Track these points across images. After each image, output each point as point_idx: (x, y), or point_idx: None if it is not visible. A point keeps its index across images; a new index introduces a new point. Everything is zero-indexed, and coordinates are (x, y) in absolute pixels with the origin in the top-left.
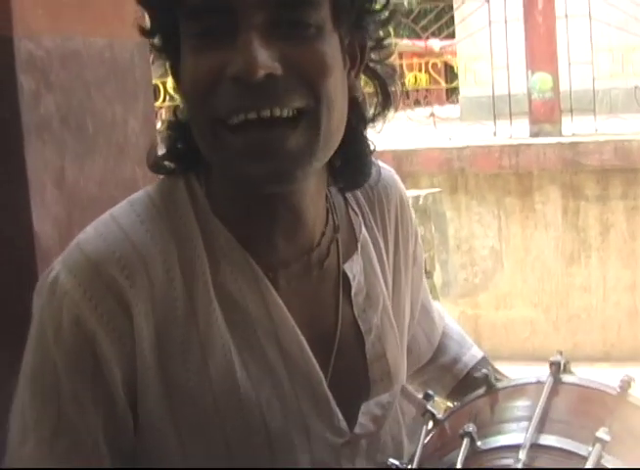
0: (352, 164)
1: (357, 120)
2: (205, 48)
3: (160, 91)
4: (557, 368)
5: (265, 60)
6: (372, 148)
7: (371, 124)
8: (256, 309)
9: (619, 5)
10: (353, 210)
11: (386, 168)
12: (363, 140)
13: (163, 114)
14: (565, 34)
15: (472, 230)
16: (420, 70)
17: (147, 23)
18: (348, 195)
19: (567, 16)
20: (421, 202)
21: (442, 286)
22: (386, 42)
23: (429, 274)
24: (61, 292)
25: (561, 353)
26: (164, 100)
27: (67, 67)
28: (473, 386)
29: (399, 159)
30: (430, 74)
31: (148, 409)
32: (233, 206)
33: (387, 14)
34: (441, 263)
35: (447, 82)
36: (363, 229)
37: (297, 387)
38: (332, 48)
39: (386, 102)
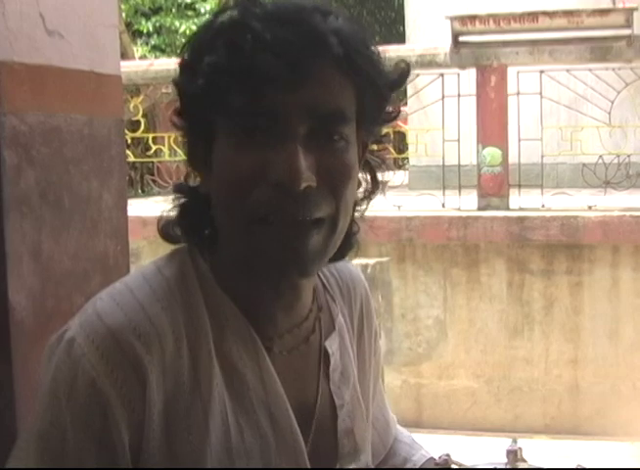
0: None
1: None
2: (247, 146)
3: None
4: (514, 456)
5: (307, 172)
6: (357, 228)
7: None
8: (253, 378)
9: (569, 85)
10: (330, 295)
11: (353, 265)
12: (352, 219)
13: None
14: (516, 111)
15: (417, 300)
16: None
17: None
18: (326, 283)
19: (518, 93)
20: (369, 271)
21: (386, 354)
22: (383, 138)
23: None
24: (77, 354)
25: (515, 441)
26: None
27: (48, 142)
28: None
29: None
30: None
31: None
32: (239, 281)
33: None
34: (386, 332)
35: (397, 151)
36: (339, 314)
37: (282, 455)
38: (355, 157)
39: (374, 190)
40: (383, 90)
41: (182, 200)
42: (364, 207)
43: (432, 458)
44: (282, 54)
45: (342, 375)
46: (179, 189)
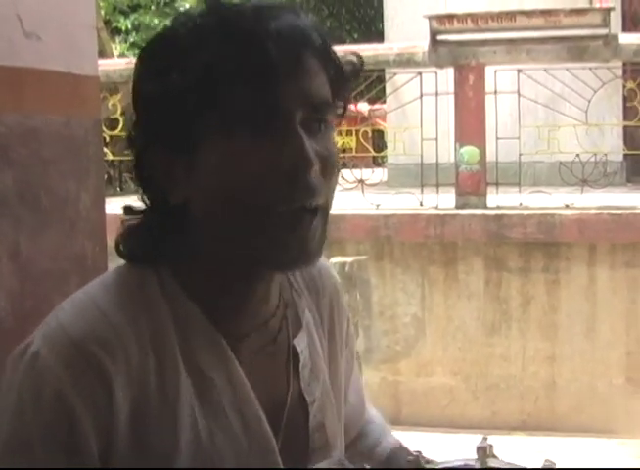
0: None
1: None
2: (250, 141)
3: None
4: (484, 453)
5: (315, 158)
6: None
7: None
8: (221, 381)
9: (547, 84)
10: (297, 292)
11: (321, 259)
12: None
13: None
14: (493, 109)
15: (395, 298)
16: (349, 135)
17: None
18: (292, 279)
19: (496, 92)
20: (347, 269)
21: (365, 352)
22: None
23: None
24: (42, 367)
25: (486, 438)
26: None
27: (26, 143)
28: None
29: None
30: (358, 140)
31: None
32: (205, 284)
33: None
34: (364, 329)
35: (376, 149)
36: (306, 309)
37: (254, 456)
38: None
39: None
40: (348, 81)
41: (145, 217)
42: None
43: (402, 444)
44: (280, 47)
45: (312, 371)
46: (132, 212)
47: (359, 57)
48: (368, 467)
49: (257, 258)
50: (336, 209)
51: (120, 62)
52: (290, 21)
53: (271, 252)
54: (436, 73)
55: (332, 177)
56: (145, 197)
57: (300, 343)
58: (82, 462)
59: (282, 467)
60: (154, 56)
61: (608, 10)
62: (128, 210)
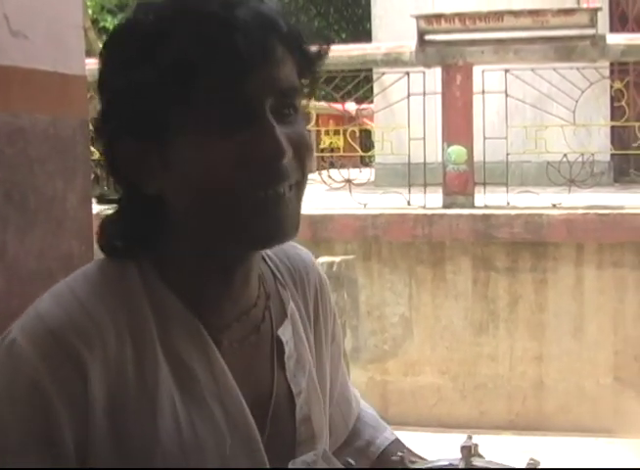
0: None
1: None
2: (222, 134)
3: None
4: (468, 452)
5: (287, 145)
6: None
7: None
8: (202, 371)
9: (534, 84)
10: (281, 283)
11: (304, 251)
12: None
13: None
14: (481, 109)
15: (383, 297)
16: (337, 135)
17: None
18: (275, 270)
19: (484, 91)
20: (335, 268)
21: (352, 351)
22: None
23: None
24: (18, 356)
25: (470, 438)
26: None
27: (12, 143)
28: (386, 466)
29: (315, 224)
30: (346, 140)
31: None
32: (186, 273)
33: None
34: (352, 329)
35: (363, 149)
36: (291, 301)
37: (237, 448)
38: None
39: None
40: (314, 62)
41: (125, 207)
42: None
43: (397, 440)
44: (247, 36)
45: (298, 362)
46: (106, 201)
47: (325, 40)
48: (351, 459)
49: (233, 239)
50: (323, 208)
51: None
52: (254, 8)
53: (246, 232)
54: (424, 73)
55: (306, 158)
56: (118, 187)
57: (285, 333)
58: (57, 453)
59: (265, 457)
60: (119, 47)
61: (595, 10)
62: (101, 198)
